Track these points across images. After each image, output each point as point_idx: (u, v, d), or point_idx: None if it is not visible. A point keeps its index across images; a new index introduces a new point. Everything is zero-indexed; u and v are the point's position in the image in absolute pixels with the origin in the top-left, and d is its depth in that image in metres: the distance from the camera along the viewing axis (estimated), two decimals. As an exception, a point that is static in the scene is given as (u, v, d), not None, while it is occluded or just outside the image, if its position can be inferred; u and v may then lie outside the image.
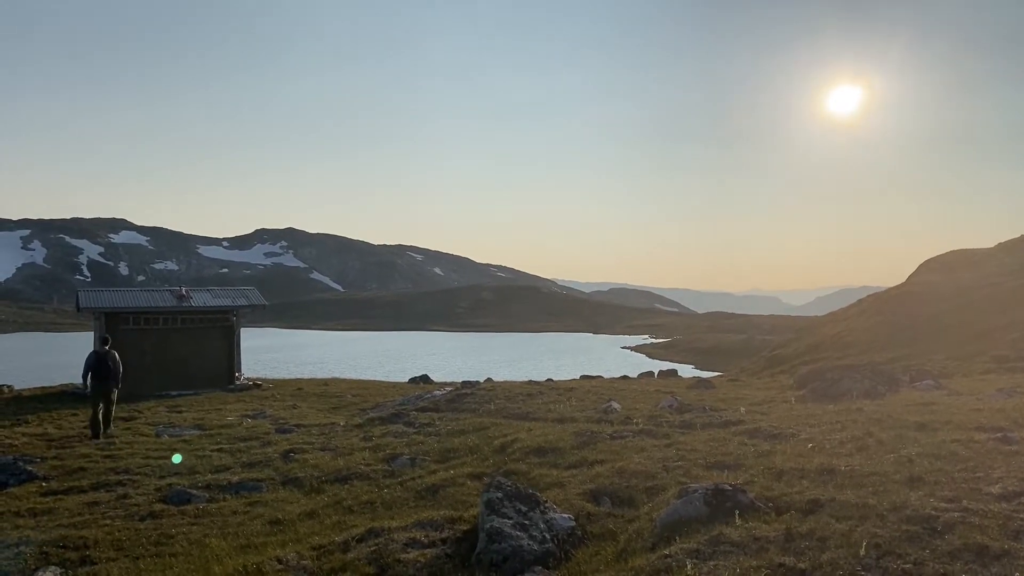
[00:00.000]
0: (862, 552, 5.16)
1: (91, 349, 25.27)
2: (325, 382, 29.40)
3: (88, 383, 16.76)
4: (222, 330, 27.22)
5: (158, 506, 10.23)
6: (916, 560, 5.00)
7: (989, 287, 38.53)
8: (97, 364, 17.05)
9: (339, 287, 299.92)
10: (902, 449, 8.25)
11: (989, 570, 4.79)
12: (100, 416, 16.34)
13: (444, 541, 7.10)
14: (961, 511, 5.74)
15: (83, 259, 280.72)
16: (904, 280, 54.14)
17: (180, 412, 19.69)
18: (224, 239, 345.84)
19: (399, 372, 51.59)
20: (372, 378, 36.93)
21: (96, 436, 15.97)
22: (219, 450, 13.88)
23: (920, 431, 9.54)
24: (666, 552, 5.68)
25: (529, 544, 6.67)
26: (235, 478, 11.54)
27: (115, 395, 17.07)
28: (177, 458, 12.09)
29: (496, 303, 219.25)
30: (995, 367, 23.51)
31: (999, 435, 8.58)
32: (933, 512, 5.76)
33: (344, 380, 31.89)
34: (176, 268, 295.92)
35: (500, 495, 7.23)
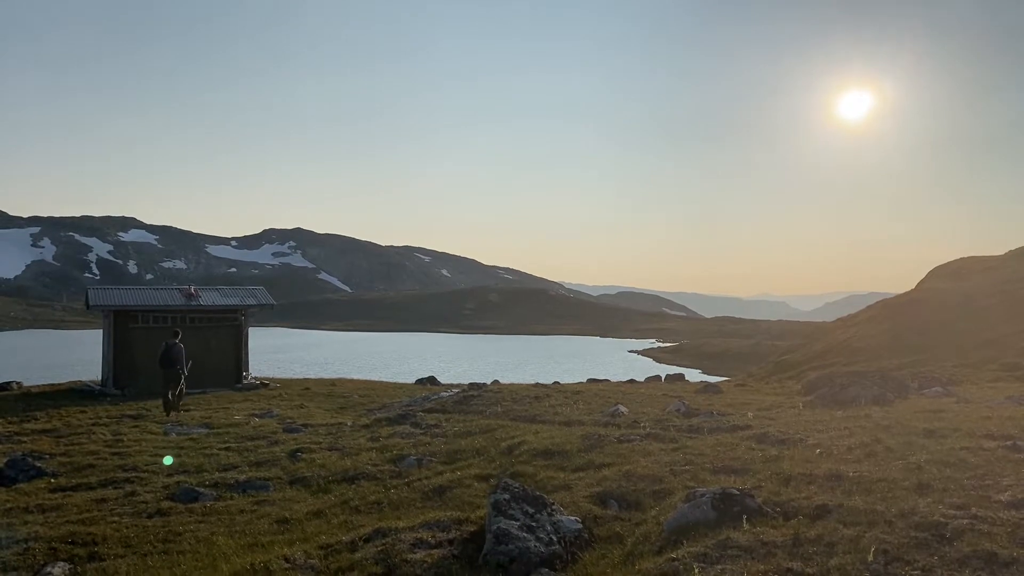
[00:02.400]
0: (870, 558, 5.15)
1: (100, 346, 25.68)
2: (332, 382, 29.45)
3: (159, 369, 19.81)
4: (230, 329, 27.27)
5: (166, 504, 10.27)
6: (924, 567, 4.98)
7: (1000, 294, 38.35)
8: (165, 353, 20.01)
9: (346, 288, 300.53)
10: (911, 456, 8.23)
11: (998, 578, 4.78)
12: (169, 397, 19.32)
13: (451, 542, 7.11)
14: (970, 518, 5.72)
15: (92, 257, 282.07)
16: (914, 287, 53.93)
17: (188, 410, 19.74)
18: (232, 239, 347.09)
19: (406, 373, 51.67)
20: (379, 379, 37.01)
21: (167, 412, 18.89)
22: (226, 449, 13.91)
23: (929, 438, 9.51)
24: (673, 556, 5.68)
25: (536, 546, 6.67)
26: (242, 477, 11.58)
27: (182, 380, 19.86)
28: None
29: (503, 305, 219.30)
30: (1005, 375, 23.39)
31: (1009, 443, 8.54)
32: (942, 519, 5.75)
33: (351, 380, 31.94)
34: (185, 267, 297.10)
35: (507, 497, 7.24)
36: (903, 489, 6.84)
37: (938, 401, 14.67)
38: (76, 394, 23.86)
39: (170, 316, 26.37)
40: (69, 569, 7.90)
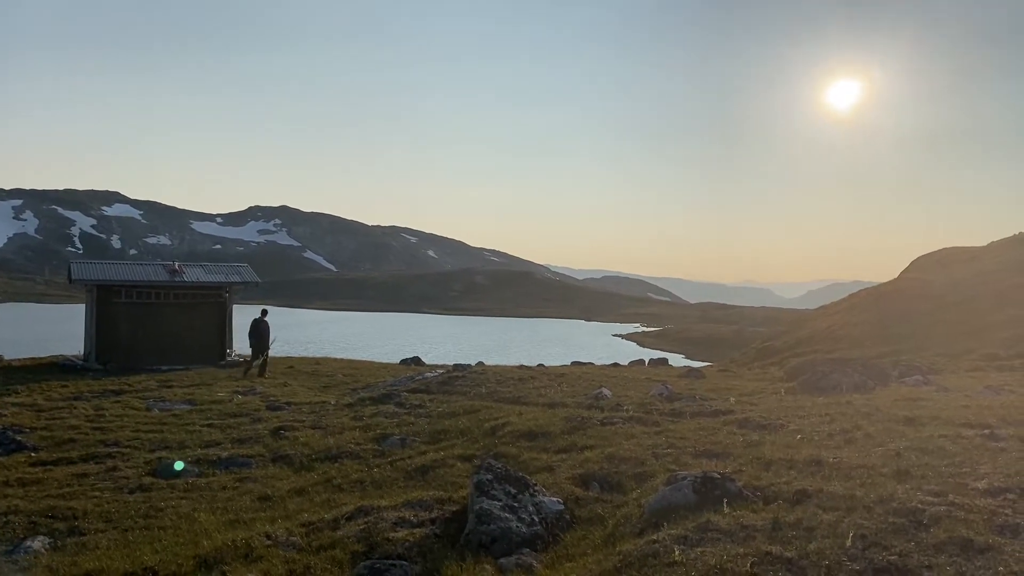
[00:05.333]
0: (848, 543, 5.20)
1: (83, 322, 25.75)
2: (316, 361, 29.36)
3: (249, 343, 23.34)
4: (214, 306, 27.12)
5: (147, 479, 10.26)
6: (901, 552, 5.04)
7: (982, 285, 38.67)
8: (253, 329, 23.22)
9: (332, 267, 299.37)
10: (890, 443, 8.31)
11: (973, 563, 4.84)
12: (255, 366, 22.82)
13: (433, 521, 7.13)
14: (947, 505, 5.79)
15: (75, 231, 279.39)
16: (896, 276, 54.30)
17: (171, 387, 19.65)
18: (218, 215, 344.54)
19: (391, 353, 51.56)
20: (364, 358, 36.91)
21: (245, 374, 22.25)
22: (209, 425, 13.89)
23: (908, 426, 9.60)
24: (654, 538, 5.72)
25: (518, 526, 6.71)
26: (225, 453, 11.57)
27: (267, 352, 23.23)
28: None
29: (489, 287, 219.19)
30: (984, 364, 23.63)
31: (986, 432, 8.64)
32: (919, 505, 5.81)
33: (335, 360, 31.85)
34: (169, 243, 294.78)
35: (490, 477, 7.26)
36: (882, 475, 6.91)
37: (918, 390, 14.80)
38: (58, 368, 23.70)
39: (154, 292, 26.19)
40: (49, 543, 7.88)
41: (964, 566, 4.81)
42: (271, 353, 24.34)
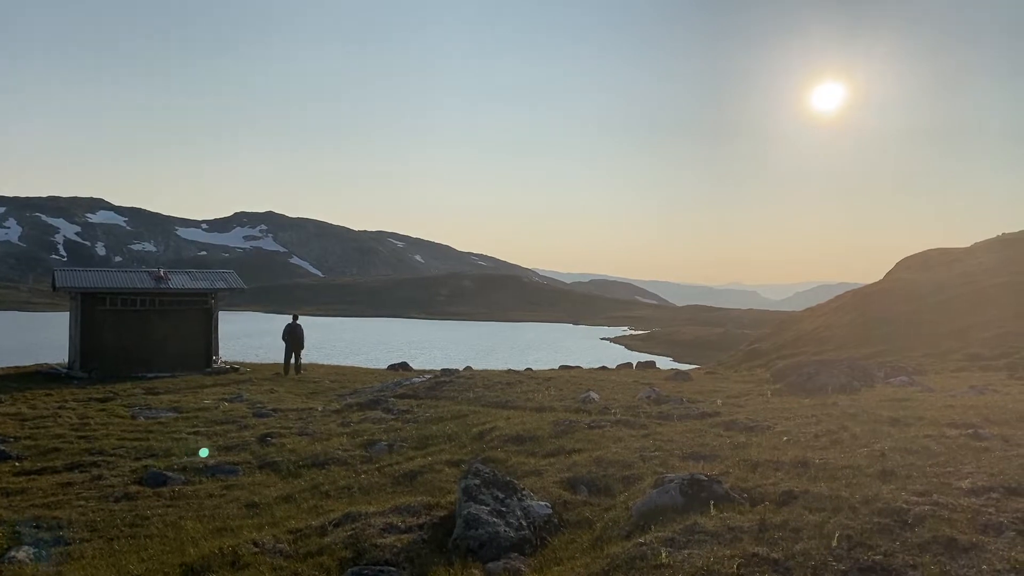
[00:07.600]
0: (834, 543, 5.23)
1: (67, 329, 25.66)
2: (303, 367, 29.24)
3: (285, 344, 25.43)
4: (200, 313, 27.00)
5: (133, 488, 10.19)
6: (886, 551, 5.08)
7: (966, 285, 38.95)
8: (288, 332, 25.36)
9: (319, 272, 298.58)
10: (875, 443, 8.37)
11: (957, 562, 4.88)
12: (290, 364, 25.01)
13: (421, 527, 7.12)
14: (931, 505, 5.83)
15: (59, 238, 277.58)
16: (882, 277, 54.63)
17: (156, 394, 19.55)
18: (203, 221, 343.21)
19: (378, 359, 51.46)
20: (351, 364, 36.82)
21: (286, 373, 24.54)
22: (195, 433, 13.82)
23: (893, 426, 9.67)
24: (641, 540, 5.73)
25: (506, 531, 6.71)
26: (211, 461, 11.51)
27: (301, 352, 25.39)
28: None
29: (477, 292, 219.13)
30: (968, 364, 23.81)
31: (970, 431, 8.71)
32: (904, 505, 5.85)
33: (322, 365, 31.74)
34: (154, 249, 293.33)
35: (478, 482, 7.26)
36: (867, 476, 6.96)
37: (903, 390, 14.90)
38: (42, 377, 23.51)
39: (139, 299, 26.03)
40: (33, 553, 7.81)
41: (948, 565, 4.85)
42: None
